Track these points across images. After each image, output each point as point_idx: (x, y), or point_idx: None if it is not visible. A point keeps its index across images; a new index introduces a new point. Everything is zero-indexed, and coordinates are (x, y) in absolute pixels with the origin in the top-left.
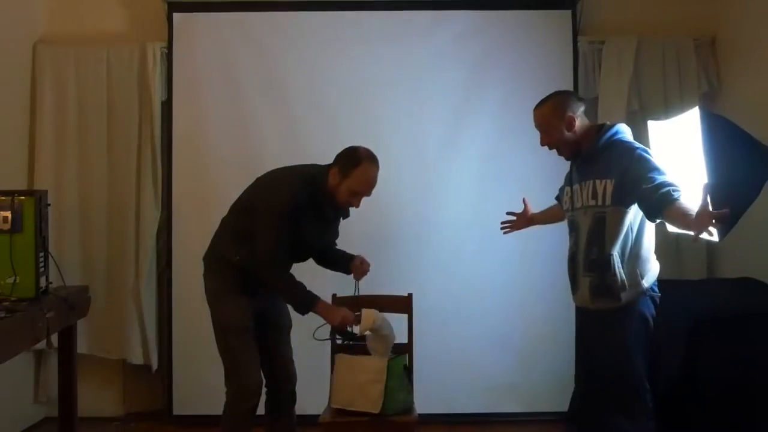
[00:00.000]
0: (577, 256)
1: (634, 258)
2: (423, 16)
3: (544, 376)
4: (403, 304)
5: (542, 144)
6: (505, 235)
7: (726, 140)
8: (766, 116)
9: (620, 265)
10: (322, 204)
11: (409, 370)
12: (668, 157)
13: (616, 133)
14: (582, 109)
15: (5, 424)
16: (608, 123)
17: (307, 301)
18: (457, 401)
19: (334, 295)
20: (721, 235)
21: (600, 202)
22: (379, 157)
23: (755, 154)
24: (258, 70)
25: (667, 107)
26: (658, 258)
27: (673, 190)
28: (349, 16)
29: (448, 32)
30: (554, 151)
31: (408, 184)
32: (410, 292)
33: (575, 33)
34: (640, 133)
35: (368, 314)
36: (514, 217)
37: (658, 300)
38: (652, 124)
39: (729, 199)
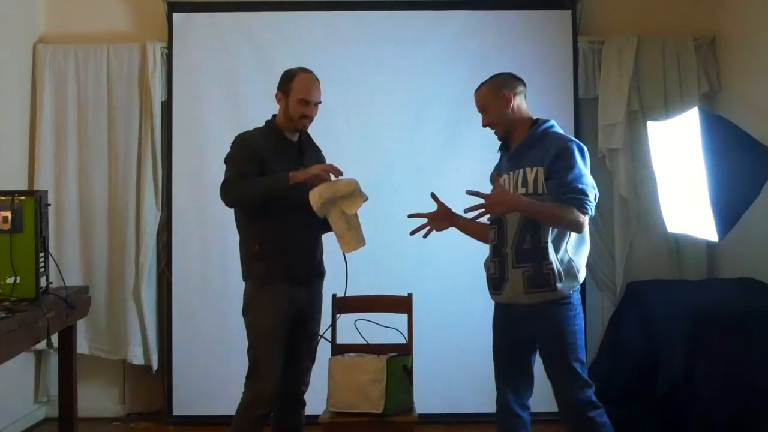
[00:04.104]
0: (503, 249)
1: (570, 246)
2: (423, 16)
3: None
4: (403, 304)
5: (483, 124)
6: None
7: (726, 140)
8: (766, 116)
9: (554, 254)
10: (279, 134)
11: (409, 370)
12: (668, 157)
13: (552, 126)
14: (521, 89)
15: (5, 424)
16: (542, 118)
17: (280, 181)
18: (457, 401)
19: (334, 296)
20: (721, 234)
21: (531, 190)
22: (378, 157)
23: (755, 154)
24: (258, 70)
25: (667, 107)
26: (659, 258)
27: (576, 198)
28: (349, 16)
29: (448, 32)
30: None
31: (408, 184)
32: (410, 292)
33: (575, 33)
34: (640, 133)
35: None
36: (425, 219)
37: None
38: (652, 124)
39: (729, 199)
